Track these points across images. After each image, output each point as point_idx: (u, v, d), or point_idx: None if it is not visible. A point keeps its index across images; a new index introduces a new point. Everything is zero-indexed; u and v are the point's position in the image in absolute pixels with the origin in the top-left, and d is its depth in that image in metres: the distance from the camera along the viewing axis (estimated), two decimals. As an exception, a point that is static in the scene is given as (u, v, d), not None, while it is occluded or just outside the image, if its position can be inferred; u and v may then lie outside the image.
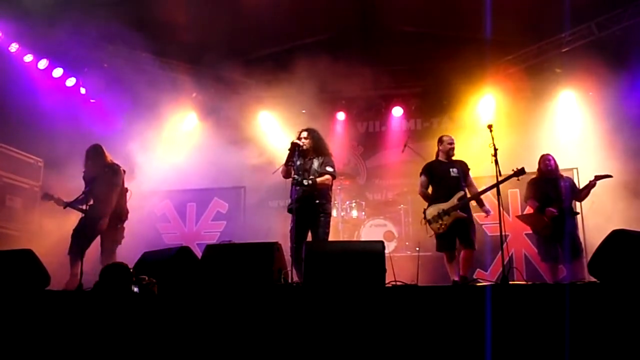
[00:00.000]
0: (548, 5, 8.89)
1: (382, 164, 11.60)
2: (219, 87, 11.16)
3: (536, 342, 4.30)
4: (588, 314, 4.29)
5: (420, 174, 7.67)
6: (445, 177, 7.42)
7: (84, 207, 7.01)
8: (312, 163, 6.84)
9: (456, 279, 7.15)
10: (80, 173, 7.65)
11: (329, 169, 6.82)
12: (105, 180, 7.37)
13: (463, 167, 7.57)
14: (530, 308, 4.46)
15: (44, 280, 6.02)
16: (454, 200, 7.22)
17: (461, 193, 7.29)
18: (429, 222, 7.34)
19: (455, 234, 7.22)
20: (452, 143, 7.63)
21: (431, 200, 7.44)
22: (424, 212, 7.44)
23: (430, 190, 7.57)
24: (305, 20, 9.36)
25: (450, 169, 7.44)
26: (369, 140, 11.85)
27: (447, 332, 4.46)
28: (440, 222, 7.21)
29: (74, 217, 7.22)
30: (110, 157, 7.73)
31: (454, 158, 7.60)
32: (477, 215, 9.04)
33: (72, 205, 7.33)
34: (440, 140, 7.75)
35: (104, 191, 7.35)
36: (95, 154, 7.64)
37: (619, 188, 8.27)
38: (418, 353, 4.45)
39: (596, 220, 8.30)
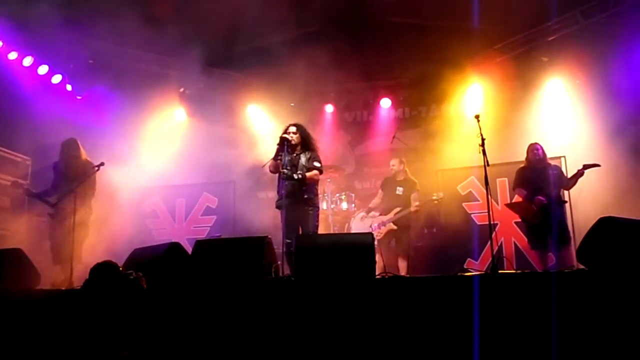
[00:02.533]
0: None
1: (370, 152, 11.61)
2: (207, 81, 11.10)
3: (524, 329, 4.33)
4: (576, 302, 4.34)
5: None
6: (390, 193, 8.98)
7: (52, 199, 7.08)
8: (299, 158, 6.86)
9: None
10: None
11: (316, 164, 6.85)
12: (85, 177, 7.27)
13: (410, 187, 8.91)
14: (518, 296, 4.50)
15: (34, 279, 6.01)
16: (391, 214, 8.78)
17: (398, 209, 8.75)
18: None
19: (391, 239, 8.82)
20: (392, 166, 9.13)
21: (374, 207, 9.12)
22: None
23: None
24: (293, 12, 9.32)
25: (397, 187, 8.92)
26: (357, 129, 11.85)
27: (437, 322, 4.49)
28: (379, 231, 8.78)
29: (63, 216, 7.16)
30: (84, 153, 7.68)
31: (407, 177, 9.04)
32: (466, 205, 9.15)
33: (40, 197, 7.35)
34: None
35: (84, 187, 7.25)
36: (75, 147, 7.65)
37: (607, 176, 8.30)
38: (409, 343, 4.48)
39: (584, 208, 8.36)
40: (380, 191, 9.25)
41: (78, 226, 6.94)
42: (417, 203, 8.73)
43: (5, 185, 8.93)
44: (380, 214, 8.98)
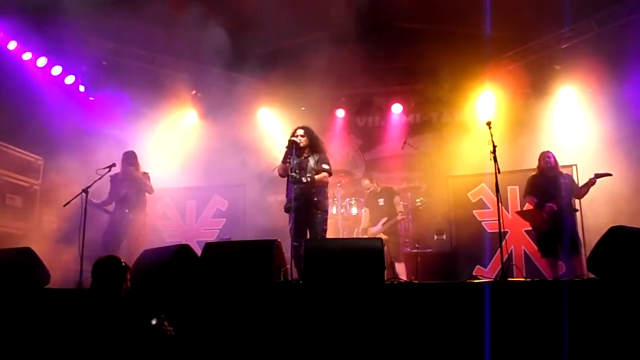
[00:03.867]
0: (547, 1, 8.87)
1: (380, 157, 11.59)
2: (218, 84, 11.14)
3: (535, 338, 4.31)
4: (587, 311, 4.31)
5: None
6: (374, 207, 9.23)
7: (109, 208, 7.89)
8: (308, 161, 6.86)
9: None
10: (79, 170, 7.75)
11: (325, 166, 6.84)
12: (140, 186, 8.37)
13: (389, 195, 9.24)
14: (529, 305, 4.48)
15: (44, 278, 6.05)
16: (378, 226, 8.99)
17: (384, 219, 8.96)
18: None
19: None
20: (364, 185, 9.51)
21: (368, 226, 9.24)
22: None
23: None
24: (305, 17, 9.34)
25: (378, 200, 9.19)
26: (368, 134, 11.85)
27: (447, 329, 4.47)
28: None
29: (72, 216, 7.19)
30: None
31: (382, 187, 9.39)
32: (477, 212, 9.12)
33: (99, 207, 8.03)
34: None
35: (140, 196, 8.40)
36: (133, 158, 8.39)
37: (618, 185, 8.25)
38: (417, 349, 4.47)
39: (595, 217, 8.30)
40: (364, 211, 9.46)
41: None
42: (401, 209, 9.08)
43: (16, 184, 9.00)
44: (370, 227, 9.22)
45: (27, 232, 8.90)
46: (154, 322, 4.05)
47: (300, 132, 6.96)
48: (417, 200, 9.19)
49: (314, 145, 6.98)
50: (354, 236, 9.44)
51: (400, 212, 9.05)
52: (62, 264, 7.44)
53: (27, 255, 6.03)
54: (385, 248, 8.53)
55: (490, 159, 6.25)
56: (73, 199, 7.07)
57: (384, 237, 8.59)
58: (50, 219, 9.14)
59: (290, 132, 7.28)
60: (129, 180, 8.25)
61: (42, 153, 9.51)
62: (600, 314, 4.28)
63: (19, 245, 6.61)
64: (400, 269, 8.70)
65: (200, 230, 10.24)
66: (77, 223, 6.84)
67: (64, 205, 7.16)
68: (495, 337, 4.27)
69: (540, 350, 4.26)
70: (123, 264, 4.28)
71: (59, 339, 4.12)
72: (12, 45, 9.26)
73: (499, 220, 6.08)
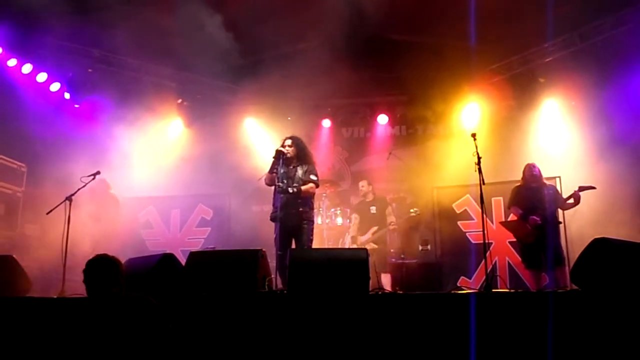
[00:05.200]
0: (532, 15, 8.95)
1: (366, 169, 11.60)
2: (205, 93, 11.14)
3: (519, 349, 4.32)
4: (570, 322, 4.33)
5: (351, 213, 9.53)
6: (365, 215, 9.20)
7: None
8: (296, 171, 6.86)
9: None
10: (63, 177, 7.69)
11: (312, 177, 6.85)
12: None
13: (382, 204, 9.26)
14: (513, 316, 4.49)
15: (25, 286, 5.98)
16: (368, 234, 8.99)
17: (375, 228, 8.99)
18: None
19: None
20: (361, 188, 9.43)
21: (357, 234, 9.17)
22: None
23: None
24: (291, 27, 9.36)
25: (370, 207, 9.18)
26: (354, 146, 11.88)
27: (431, 340, 4.47)
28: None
29: (57, 224, 7.12)
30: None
31: (375, 196, 9.36)
32: (461, 223, 9.17)
33: None
34: None
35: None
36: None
37: (601, 197, 8.32)
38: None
39: (578, 228, 8.37)
40: (354, 217, 9.41)
41: None
42: (393, 219, 9.05)
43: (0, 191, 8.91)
44: (360, 235, 9.20)
45: (9, 239, 8.80)
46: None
47: (289, 142, 6.97)
48: (412, 210, 9.20)
49: (302, 156, 6.99)
50: (339, 246, 9.43)
51: (392, 222, 9.06)
52: (44, 273, 7.35)
53: (8, 263, 5.97)
54: (372, 258, 8.63)
55: (475, 171, 6.29)
56: (56, 207, 6.99)
57: (373, 246, 8.76)
58: (33, 226, 9.05)
59: (276, 141, 7.30)
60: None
61: (26, 160, 9.44)
62: (584, 325, 4.31)
63: (1, 253, 6.54)
64: (386, 280, 8.69)
65: (185, 239, 10.20)
66: (60, 231, 6.77)
67: (47, 213, 7.09)
68: (480, 348, 4.28)
69: (524, 360, 4.28)
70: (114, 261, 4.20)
71: (40, 347, 4.08)
72: (-4, 51, 9.21)
73: (483, 231, 6.12)
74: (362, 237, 9.05)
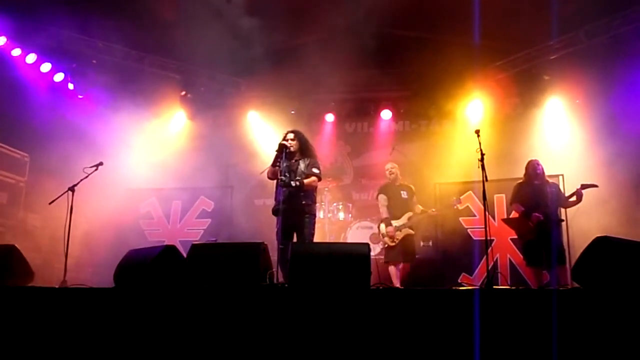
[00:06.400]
0: (537, 12, 8.93)
1: (369, 164, 11.60)
2: (208, 86, 11.13)
3: (518, 346, 4.32)
4: (572, 320, 4.33)
5: (378, 194, 8.89)
6: (396, 198, 8.67)
7: None
8: (298, 164, 6.86)
9: (398, 285, 8.10)
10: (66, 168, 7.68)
11: (315, 170, 6.85)
12: None
13: (410, 191, 8.83)
14: (512, 313, 4.49)
15: (28, 277, 6.00)
16: (405, 219, 8.49)
17: (410, 213, 8.56)
18: (383, 235, 8.52)
19: (402, 246, 8.41)
20: (391, 169, 8.86)
21: (387, 217, 8.60)
22: (379, 227, 8.76)
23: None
24: (297, 20, 9.35)
25: (401, 192, 8.72)
26: (357, 141, 11.86)
27: (432, 336, 4.47)
28: (394, 236, 8.43)
29: (59, 214, 7.15)
30: None
31: (402, 183, 8.87)
32: (463, 219, 9.16)
33: None
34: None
35: None
36: None
37: (603, 195, 8.32)
38: (402, 356, 4.47)
39: (580, 227, 8.37)
40: (382, 198, 8.73)
41: None
42: (417, 211, 8.67)
43: (2, 181, 8.93)
44: (392, 219, 8.56)
45: (11, 229, 8.84)
46: None
47: (291, 135, 6.97)
48: (432, 209, 8.86)
49: (304, 149, 6.99)
50: (341, 240, 9.43)
51: (433, 209, 8.78)
52: (46, 262, 7.38)
53: (10, 253, 5.98)
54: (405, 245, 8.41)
55: (478, 167, 6.28)
56: (59, 197, 7.01)
57: (409, 232, 8.49)
58: (35, 216, 9.09)
59: (279, 135, 7.29)
60: None
61: (29, 150, 9.46)
62: (585, 324, 4.30)
63: (3, 242, 6.55)
64: (406, 270, 8.55)
65: (184, 230, 10.18)
66: (62, 221, 6.79)
67: (50, 203, 7.11)
68: (484, 345, 4.27)
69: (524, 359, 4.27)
70: None
71: (42, 338, 4.09)
72: (1, 41, 9.21)
73: (485, 228, 6.11)
74: (397, 222, 8.51)
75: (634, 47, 8.72)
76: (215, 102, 11.19)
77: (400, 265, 8.40)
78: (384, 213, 8.62)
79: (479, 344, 4.21)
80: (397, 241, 8.39)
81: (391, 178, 8.81)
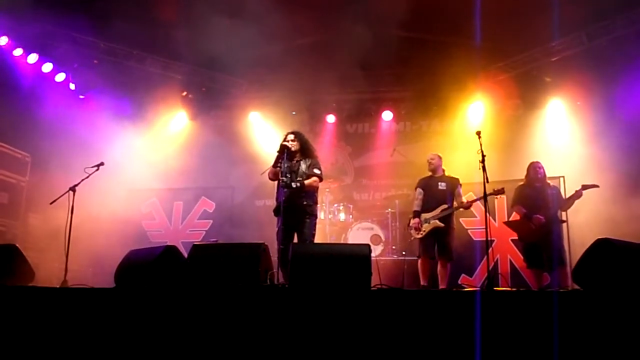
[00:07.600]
0: (539, 13, 8.93)
1: (370, 165, 11.61)
2: (210, 86, 11.13)
3: (523, 349, 4.32)
4: (573, 322, 4.32)
5: (415, 187, 8.46)
6: (432, 190, 8.19)
7: None
8: (299, 165, 6.87)
9: (424, 284, 7.91)
10: (67, 168, 7.67)
11: (316, 171, 6.86)
12: None
13: (453, 182, 8.24)
14: (513, 314, 4.49)
15: (29, 276, 6.00)
16: (437, 211, 8.00)
17: (445, 205, 8.02)
18: (411, 227, 8.19)
19: (434, 241, 7.97)
20: (431, 160, 8.42)
21: (421, 210, 8.18)
22: (409, 219, 8.31)
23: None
24: (299, 21, 9.35)
25: (439, 183, 8.20)
26: (358, 141, 11.86)
27: (433, 337, 4.47)
28: (421, 228, 8.06)
29: (60, 213, 7.15)
30: None
31: (446, 174, 8.37)
32: (464, 220, 9.13)
33: None
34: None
35: None
36: None
37: (604, 197, 8.31)
38: (403, 357, 4.46)
39: (581, 228, 8.36)
40: (418, 192, 8.37)
41: None
42: (462, 200, 8.14)
43: (3, 180, 8.94)
44: (422, 212, 8.18)
45: (12, 228, 8.85)
46: None
47: (291, 136, 6.98)
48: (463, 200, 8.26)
49: (305, 150, 7.00)
50: (342, 242, 9.43)
51: (468, 201, 8.12)
52: (47, 262, 7.38)
53: (11, 252, 5.98)
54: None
55: (479, 169, 6.28)
56: (60, 197, 7.01)
57: (439, 224, 7.90)
58: (37, 216, 9.10)
59: (280, 136, 7.29)
60: None
61: (30, 150, 9.47)
62: (585, 326, 4.30)
63: (4, 242, 6.56)
64: (443, 272, 7.91)
65: (186, 231, 10.22)
66: (63, 221, 6.79)
67: (51, 203, 7.11)
68: (485, 346, 4.27)
69: None
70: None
71: (43, 338, 4.09)
72: (3, 40, 9.22)
73: (486, 229, 6.11)
74: (428, 214, 8.05)
75: (635, 49, 8.72)
76: (216, 103, 11.20)
77: (439, 263, 7.93)
78: (415, 206, 8.27)
79: (479, 345, 4.21)
80: (423, 233, 8.00)
81: (430, 169, 8.37)
